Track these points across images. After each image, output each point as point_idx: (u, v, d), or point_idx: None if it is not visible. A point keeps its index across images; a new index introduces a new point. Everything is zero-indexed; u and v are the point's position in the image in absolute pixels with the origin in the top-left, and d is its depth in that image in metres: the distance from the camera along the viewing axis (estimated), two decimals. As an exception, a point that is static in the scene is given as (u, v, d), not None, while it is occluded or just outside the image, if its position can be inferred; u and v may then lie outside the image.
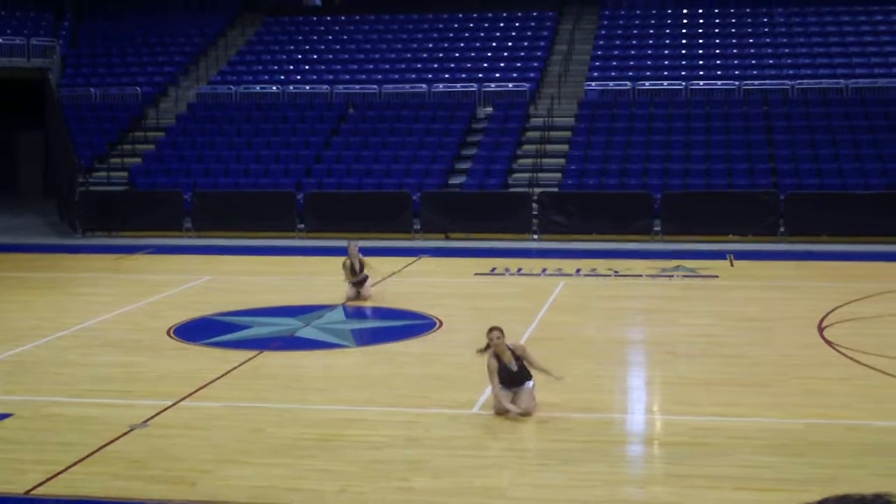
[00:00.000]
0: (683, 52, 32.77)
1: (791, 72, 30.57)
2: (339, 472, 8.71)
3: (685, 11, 35.03)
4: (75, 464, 8.96)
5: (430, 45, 34.23)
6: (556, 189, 26.14)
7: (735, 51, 32.42)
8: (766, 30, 33.51)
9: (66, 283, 19.54)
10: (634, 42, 33.51)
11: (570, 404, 10.63)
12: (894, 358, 12.61)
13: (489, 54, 33.26)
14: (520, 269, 20.25)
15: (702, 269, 19.98)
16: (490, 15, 35.47)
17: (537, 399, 10.36)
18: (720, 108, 29.00)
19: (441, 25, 35.46)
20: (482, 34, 34.61)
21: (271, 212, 25.92)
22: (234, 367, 12.38)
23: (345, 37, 35.23)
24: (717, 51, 32.61)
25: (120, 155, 30.20)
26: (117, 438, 9.63)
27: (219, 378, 11.90)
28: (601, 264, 20.57)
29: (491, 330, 10.39)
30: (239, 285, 18.84)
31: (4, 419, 10.33)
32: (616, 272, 19.72)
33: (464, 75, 31.85)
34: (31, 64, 32.42)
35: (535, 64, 32.45)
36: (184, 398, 11.03)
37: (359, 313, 16.27)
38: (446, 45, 34.23)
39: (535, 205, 25.15)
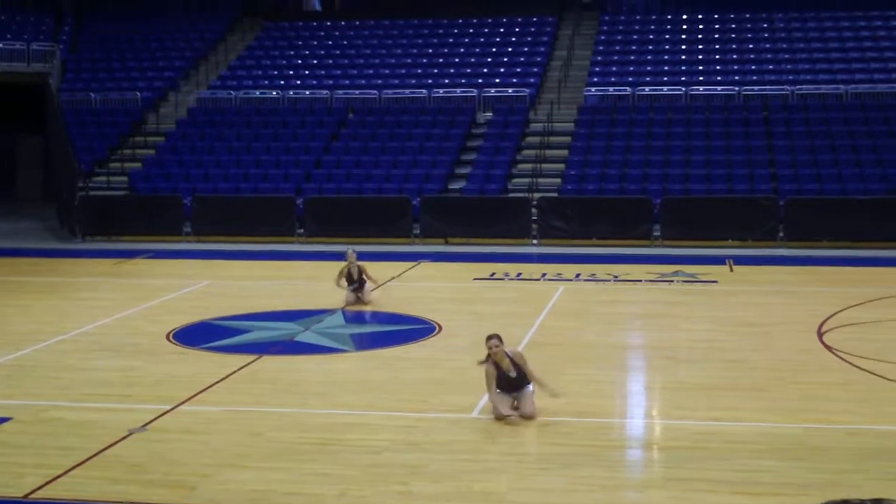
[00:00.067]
0: (683, 57, 32.81)
1: (791, 77, 30.59)
2: (339, 477, 8.71)
3: (685, 17, 35.07)
4: (74, 468, 8.96)
5: (430, 51, 34.25)
6: (555, 194, 26.15)
7: (735, 56, 32.44)
8: (766, 35, 33.54)
9: (66, 288, 19.54)
10: (634, 48, 33.54)
11: (570, 409, 10.63)
12: (894, 363, 12.61)
13: (489, 60, 33.29)
14: (519, 274, 20.25)
15: (701, 274, 19.99)
16: (490, 20, 35.49)
17: (537, 404, 10.37)
18: (720, 114, 29.02)
19: (441, 31, 35.49)
20: (482, 39, 34.64)
21: (271, 217, 25.92)
22: (234, 372, 12.38)
23: (345, 42, 35.26)
24: (717, 56, 32.64)
25: (120, 160, 30.21)
26: (116, 442, 9.63)
27: (218, 382, 11.90)
28: (601, 269, 20.58)
29: (489, 338, 10.40)
30: (238, 290, 18.83)
31: (4, 423, 10.32)
32: (615, 277, 19.72)
33: (464, 80, 31.87)
34: (31, 69, 32.44)
35: (535, 69, 32.47)
36: (183, 402, 11.03)
37: (358, 318, 16.27)
38: (446, 50, 34.26)
39: (534, 210, 25.16)
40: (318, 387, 11.81)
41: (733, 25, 34.20)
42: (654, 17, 35.43)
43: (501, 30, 35.05)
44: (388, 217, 25.52)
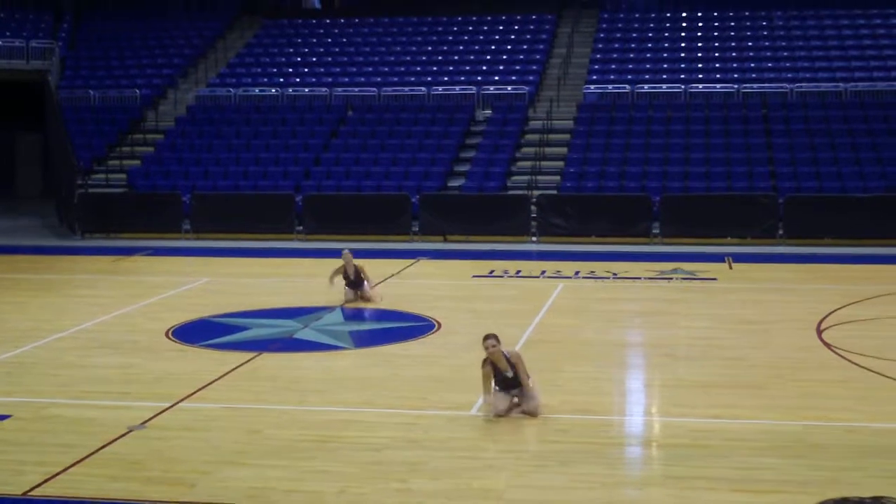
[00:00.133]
0: (682, 55, 32.80)
1: (790, 75, 30.59)
2: (338, 474, 8.71)
3: (684, 15, 35.08)
4: (74, 465, 8.95)
5: (429, 48, 34.25)
6: (554, 191, 26.16)
7: (734, 54, 32.45)
8: (765, 33, 33.55)
9: (65, 285, 19.54)
10: (633, 45, 33.54)
11: (569, 406, 10.63)
12: (893, 360, 12.61)
13: (488, 57, 33.28)
14: (518, 272, 20.25)
15: (700, 271, 19.99)
16: (489, 18, 35.49)
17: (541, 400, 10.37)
18: (719, 112, 29.02)
19: (440, 28, 35.48)
20: (481, 37, 34.64)
21: (270, 214, 25.92)
22: (233, 369, 12.38)
23: (344, 39, 35.25)
24: (717, 54, 32.64)
25: (119, 157, 30.20)
26: (116, 440, 9.62)
27: (217, 380, 11.89)
28: (600, 267, 20.58)
29: (486, 338, 10.41)
30: (237, 287, 18.83)
31: (3, 420, 10.32)
32: (615, 275, 19.72)
33: (463, 78, 31.86)
34: (30, 66, 32.43)
35: (534, 67, 32.47)
36: (182, 400, 11.03)
37: (357, 315, 16.27)
38: (445, 47, 34.26)
39: (533, 207, 25.16)
40: (317, 384, 11.81)
41: (732, 23, 34.20)
42: (653, 14, 35.42)
43: (501, 27, 35.05)
44: (387, 214, 25.52)
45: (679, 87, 30.24)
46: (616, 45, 33.61)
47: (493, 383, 10.41)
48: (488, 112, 30.30)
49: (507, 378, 10.35)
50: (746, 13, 34.44)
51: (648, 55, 32.81)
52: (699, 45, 33.39)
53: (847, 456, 9.13)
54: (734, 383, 11.67)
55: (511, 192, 26.52)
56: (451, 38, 34.87)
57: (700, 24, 34.49)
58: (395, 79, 32.15)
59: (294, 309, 16.39)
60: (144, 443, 9.57)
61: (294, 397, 11.23)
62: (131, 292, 17.96)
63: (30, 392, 11.53)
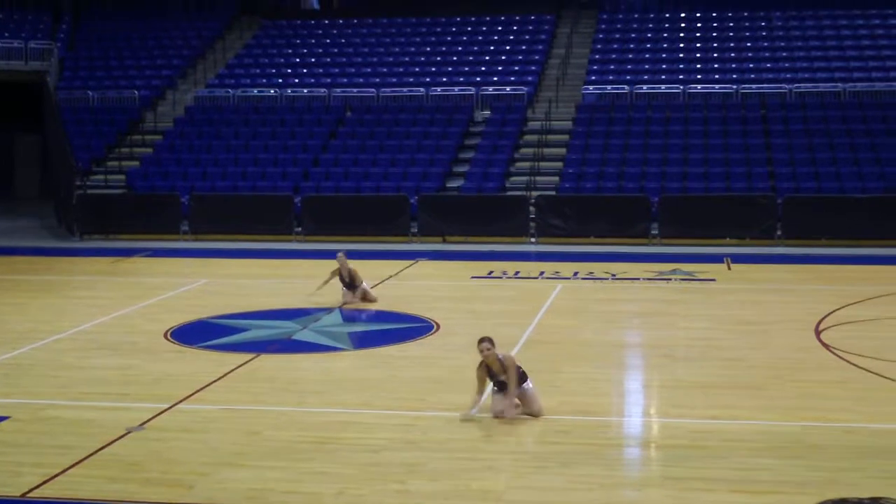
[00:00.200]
0: (681, 55, 32.81)
1: (789, 76, 30.60)
2: (337, 475, 8.71)
3: (683, 15, 35.08)
4: (72, 466, 8.95)
5: (428, 49, 34.25)
6: (553, 192, 26.16)
7: (733, 55, 32.45)
8: (764, 34, 33.55)
9: (63, 286, 19.53)
10: (632, 46, 33.54)
11: (568, 407, 10.63)
12: (891, 361, 12.62)
13: (487, 58, 33.28)
14: (517, 273, 20.25)
15: (699, 272, 19.99)
16: (488, 18, 35.49)
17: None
18: (718, 112, 29.03)
19: (439, 29, 35.48)
20: (480, 38, 34.63)
21: (268, 215, 25.91)
22: (231, 370, 12.37)
23: (342, 40, 35.25)
24: (715, 55, 32.65)
25: (117, 158, 30.19)
26: (114, 441, 9.62)
27: (216, 381, 11.89)
28: (598, 268, 20.58)
29: (481, 341, 10.40)
30: (236, 288, 18.83)
31: (1, 422, 10.32)
32: (613, 275, 19.72)
33: (461, 79, 31.86)
34: (28, 67, 32.41)
35: (533, 67, 32.47)
36: (181, 401, 11.02)
37: (356, 316, 16.26)
38: (444, 48, 34.26)
39: (532, 208, 25.16)
40: (315, 385, 11.81)
41: (731, 24, 34.21)
42: (651, 15, 35.43)
43: (499, 28, 35.05)
44: (386, 215, 25.52)
45: (678, 88, 30.25)
46: (615, 46, 33.61)
47: (486, 386, 10.43)
48: (487, 113, 30.30)
49: (502, 381, 10.36)
50: (745, 14, 34.45)
51: (647, 56, 32.82)
52: (698, 45, 33.39)
53: (845, 456, 9.13)
54: (733, 384, 11.68)
55: (510, 193, 26.52)
56: (449, 38, 34.87)
57: (699, 25, 34.50)
58: (394, 79, 32.15)
59: (293, 310, 16.38)
60: (143, 444, 9.56)
61: (293, 398, 11.23)
62: (130, 293, 17.96)
63: (28, 393, 11.53)
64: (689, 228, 24.41)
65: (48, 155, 31.32)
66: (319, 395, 11.35)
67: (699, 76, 31.13)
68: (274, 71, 33.39)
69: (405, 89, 31.34)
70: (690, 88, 30.18)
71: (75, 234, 26.35)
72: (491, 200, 25.95)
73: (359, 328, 15.56)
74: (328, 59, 34.02)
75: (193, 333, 14.63)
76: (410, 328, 15.03)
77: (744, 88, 29.92)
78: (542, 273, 20.13)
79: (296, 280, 19.86)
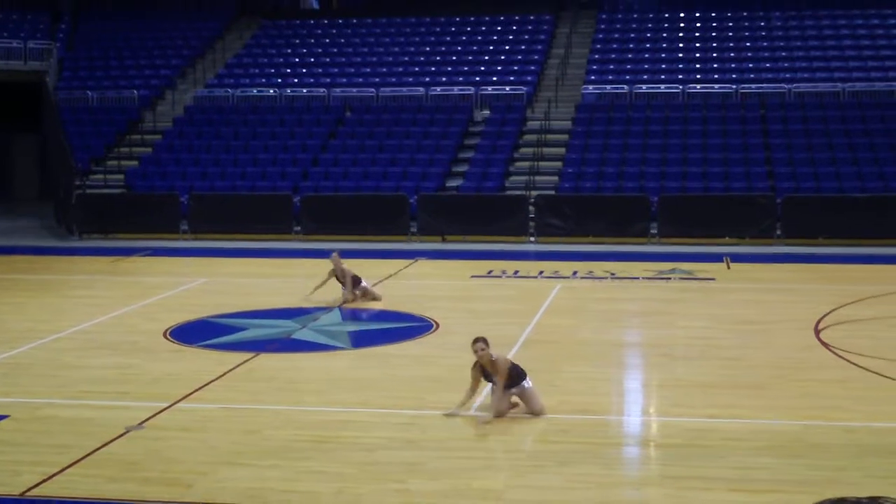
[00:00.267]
0: (680, 55, 32.80)
1: (788, 75, 30.60)
2: (336, 474, 8.70)
3: (682, 15, 35.08)
4: (71, 465, 8.95)
5: (428, 49, 34.24)
6: (552, 192, 26.15)
7: (732, 55, 32.45)
8: (764, 34, 33.55)
9: (63, 286, 19.52)
10: (631, 45, 33.54)
11: (567, 406, 10.63)
12: (891, 360, 12.62)
13: (486, 58, 33.27)
14: (516, 272, 20.24)
15: (698, 271, 19.99)
16: (487, 18, 35.48)
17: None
18: (717, 112, 29.02)
19: (438, 29, 35.48)
20: (479, 38, 34.63)
21: (268, 214, 25.90)
22: (230, 370, 12.37)
23: (342, 40, 35.24)
24: (715, 55, 32.64)
25: (117, 158, 30.18)
26: (113, 440, 9.62)
27: (215, 380, 11.88)
28: (598, 267, 20.57)
29: (475, 341, 10.40)
30: (235, 287, 18.83)
31: (0, 421, 10.31)
32: (613, 275, 19.72)
33: (461, 78, 31.86)
34: (27, 67, 32.40)
35: (533, 67, 32.46)
36: (179, 400, 11.02)
37: (355, 315, 16.26)
38: (443, 48, 34.25)
39: (531, 207, 25.16)
40: (314, 384, 11.80)
41: (731, 23, 34.20)
42: (651, 15, 35.43)
43: (499, 28, 35.04)
44: (386, 215, 25.51)
45: (677, 88, 30.25)
46: (614, 46, 33.61)
47: (479, 385, 10.45)
48: (486, 112, 30.29)
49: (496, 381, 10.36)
50: (744, 13, 34.44)
51: (646, 55, 32.82)
52: (697, 45, 33.39)
53: (845, 456, 9.13)
54: (732, 383, 11.67)
55: (509, 193, 26.51)
56: (449, 38, 34.86)
57: (698, 25, 34.50)
58: (394, 79, 32.14)
59: (292, 309, 16.38)
60: (142, 443, 9.56)
61: (291, 398, 11.22)
62: (129, 293, 17.96)
63: (27, 392, 11.52)
64: (689, 228, 24.41)
65: (47, 155, 31.31)
66: (318, 394, 11.35)
67: (698, 76, 31.13)
68: (273, 71, 33.39)
69: (404, 89, 31.34)
70: (690, 88, 30.18)
71: (74, 234, 26.35)
72: (490, 200, 25.94)
73: (358, 327, 15.55)
74: (327, 59, 34.01)
75: (192, 332, 14.63)
76: (409, 327, 15.03)
77: (743, 88, 29.92)
78: (541, 272, 20.13)
79: (295, 279, 19.85)
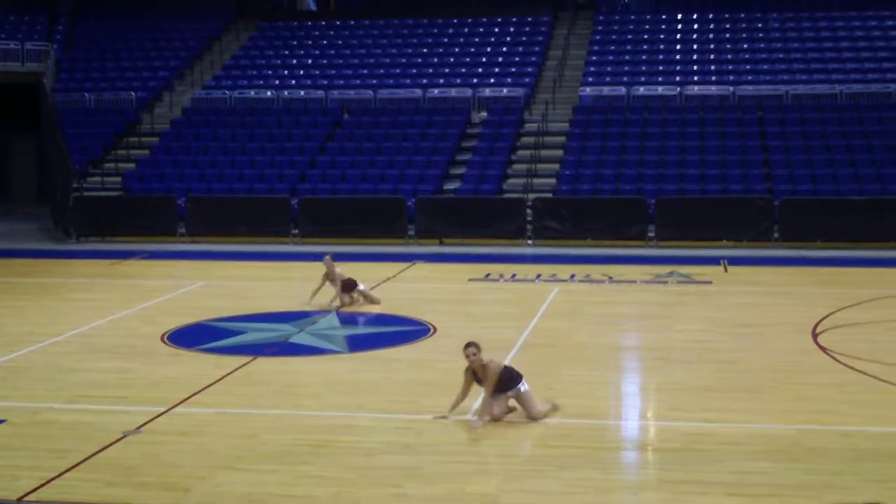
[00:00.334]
0: (678, 57, 32.83)
1: (785, 77, 30.63)
2: (333, 479, 8.71)
3: (679, 17, 35.10)
4: (69, 470, 8.95)
5: (425, 51, 34.25)
6: (550, 194, 26.15)
7: (729, 56, 32.48)
8: (761, 35, 33.57)
9: (60, 289, 19.51)
10: (629, 47, 33.56)
11: (564, 410, 10.62)
12: (888, 364, 12.63)
13: (484, 59, 33.29)
14: (514, 275, 20.25)
15: (696, 274, 20.00)
16: (485, 20, 35.49)
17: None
18: (715, 114, 29.04)
19: (436, 30, 35.49)
20: (477, 39, 34.64)
21: (266, 217, 25.89)
22: (228, 373, 12.37)
23: (340, 42, 35.25)
24: (712, 56, 32.67)
25: (114, 160, 30.18)
26: (111, 445, 9.62)
27: (212, 384, 11.89)
28: (595, 270, 20.59)
29: (467, 346, 10.40)
30: (233, 291, 18.82)
31: (-2, 425, 10.33)
32: (610, 278, 19.73)
33: (459, 80, 31.88)
34: (25, 68, 32.40)
35: (530, 69, 32.48)
36: (177, 404, 11.02)
37: (352, 319, 16.25)
38: (441, 50, 34.26)
39: (529, 210, 25.16)
40: (312, 388, 11.81)
41: (728, 25, 34.23)
42: (648, 16, 35.45)
43: (496, 29, 35.06)
44: (383, 218, 25.51)
45: (674, 90, 30.27)
46: (612, 48, 33.63)
47: (471, 389, 10.44)
48: (484, 114, 30.30)
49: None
50: (742, 15, 34.48)
51: (644, 57, 32.85)
52: (695, 47, 33.42)
53: (842, 460, 9.14)
54: (729, 387, 11.69)
55: (507, 195, 26.51)
56: (446, 40, 34.87)
57: (695, 27, 34.54)
58: (391, 81, 32.15)
59: (289, 313, 16.38)
60: (139, 448, 9.56)
61: (289, 402, 11.23)
62: (127, 296, 17.96)
63: (25, 396, 11.52)
64: (686, 230, 24.42)
65: (45, 157, 31.30)
66: (316, 398, 11.35)
67: (696, 78, 31.16)
68: (271, 73, 33.39)
69: (402, 91, 31.35)
70: (687, 90, 30.21)
71: (72, 237, 26.33)
72: (488, 202, 25.95)
73: (355, 331, 15.55)
74: (325, 61, 34.01)
75: (191, 336, 14.63)
76: (407, 331, 15.04)
77: (740, 90, 29.95)
78: (538, 275, 20.14)
79: (293, 283, 19.87)
